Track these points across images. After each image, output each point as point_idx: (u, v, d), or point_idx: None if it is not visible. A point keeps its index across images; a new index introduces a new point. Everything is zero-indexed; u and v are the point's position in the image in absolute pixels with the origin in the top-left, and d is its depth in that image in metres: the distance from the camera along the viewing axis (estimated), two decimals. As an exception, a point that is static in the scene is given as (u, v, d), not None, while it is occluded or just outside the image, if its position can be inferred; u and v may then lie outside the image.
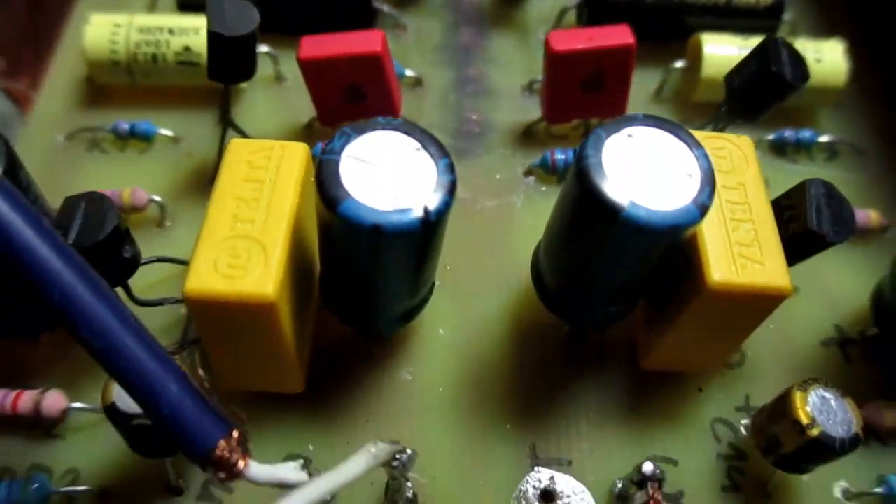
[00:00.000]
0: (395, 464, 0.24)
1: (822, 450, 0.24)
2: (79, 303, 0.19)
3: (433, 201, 0.22)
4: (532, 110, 0.37)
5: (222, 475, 0.20)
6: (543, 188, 0.34)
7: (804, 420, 0.24)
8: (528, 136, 0.36)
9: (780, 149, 0.36)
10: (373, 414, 0.28)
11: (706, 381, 0.30)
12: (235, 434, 0.21)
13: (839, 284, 0.33)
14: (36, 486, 0.26)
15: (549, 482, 0.27)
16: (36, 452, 0.27)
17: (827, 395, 0.25)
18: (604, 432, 0.28)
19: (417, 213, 0.22)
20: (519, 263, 0.31)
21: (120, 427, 0.24)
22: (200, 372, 0.22)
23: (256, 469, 0.21)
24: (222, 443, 0.20)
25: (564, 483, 0.27)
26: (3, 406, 0.27)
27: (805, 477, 0.28)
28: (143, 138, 0.35)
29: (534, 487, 0.27)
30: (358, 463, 0.22)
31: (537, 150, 0.35)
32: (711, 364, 0.29)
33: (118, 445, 0.27)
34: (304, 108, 0.35)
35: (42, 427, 0.28)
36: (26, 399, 0.27)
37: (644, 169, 0.23)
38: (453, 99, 0.38)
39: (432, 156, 0.23)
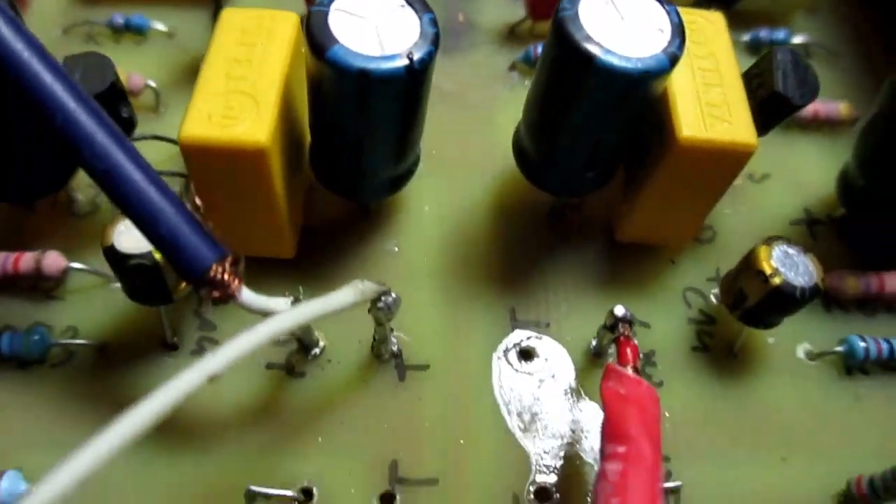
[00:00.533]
0: (380, 305, 0.25)
1: (784, 298, 0.26)
2: (81, 126, 0.20)
3: (418, 51, 0.23)
4: (517, 10, 0.38)
5: (217, 294, 0.22)
6: (526, 81, 0.36)
7: (767, 270, 0.26)
8: (513, 35, 0.37)
9: (754, 49, 0.37)
10: (360, 281, 0.30)
11: (678, 254, 0.31)
12: (230, 258, 0.22)
13: (809, 172, 0.34)
14: (37, 337, 0.27)
15: (528, 341, 0.29)
16: (36, 312, 0.28)
17: (790, 250, 0.27)
18: (580, 299, 0.30)
19: (403, 61, 0.23)
20: (502, 150, 0.32)
21: (118, 270, 0.25)
22: (197, 200, 0.24)
23: (248, 295, 0.22)
24: (217, 265, 0.22)
25: (542, 343, 0.29)
26: (5, 266, 0.28)
27: (770, 339, 0.29)
28: (137, 32, 0.36)
29: (513, 345, 0.29)
30: (346, 294, 0.24)
31: (522, 47, 0.37)
32: (683, 234, 0.30)
33: (116, 305, 0.29)
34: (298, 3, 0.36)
35: (42, 289, 0.29)
36: (27, 259, 0.28)
37: (618, 23, 0.24)
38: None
39: (417, 11, 0.24)
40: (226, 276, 0.22)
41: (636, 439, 0.22)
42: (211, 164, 0.25)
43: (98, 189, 0.31)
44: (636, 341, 0.24)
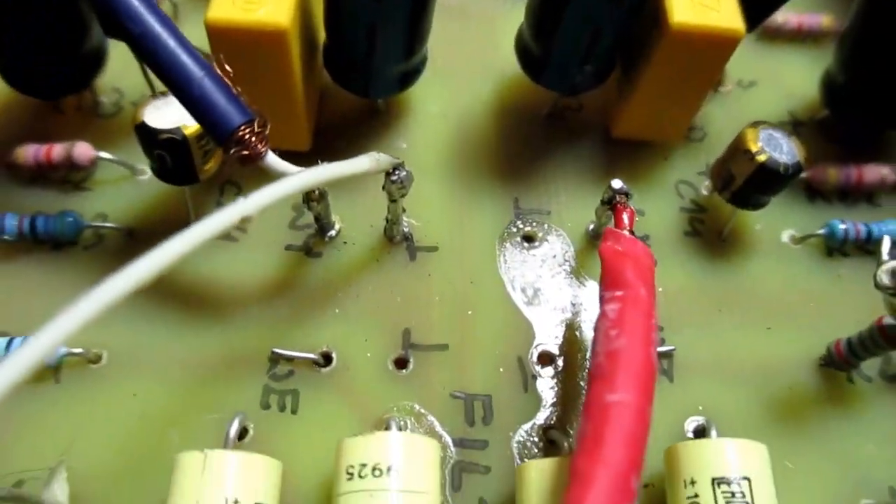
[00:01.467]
0: (394, 178, 0.27)
1: (769, 175, 0.28)
2: (118, -9, 0.22)
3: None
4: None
5: (245, 153, 0.23)
6: (527, -4, 0.37)
7: (753, 149, 0.28)
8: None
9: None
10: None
11: (671, 151, 0.33)
12: (257, 121, 0.24)
13: (793, 80, 0.36)
14: (70, 219, 0.29)
15: (530, 226, 0.31)
16: (67, 201, 0.30)
17: (775, 133, 0.28)
18: (579, 189, 0.32)
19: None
20: (506, 57, 0.34)
21: (148, 147, 0.27)
22: (227, 67, 0.25)
23: (273, 158, 0.24)
24: (245, 126, 0.23)
25: (544, 228, 0.31)
26: (37, 156, 0.30)
27: (757, 226, 0.31)
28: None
29: (516, 229, 0.31)
30: (363, 161, 0.25)
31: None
32: (675, 129, 0.32)
33: (143, 194, 0.31)
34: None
35: (72, 180, 0.31)
36: (59, 149, 0.30)
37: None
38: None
39: None
40: (253, 138, 0.24)
41: (633, 284, 0.23)
42: (235, 48, 0.26)
43: (120, 93, 0.33)
44: (633, 209, 0.26)
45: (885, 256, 0.24)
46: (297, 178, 0.23)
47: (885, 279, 0.23)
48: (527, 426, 0.26)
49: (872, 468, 0.26)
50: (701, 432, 0.27)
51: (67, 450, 0.25)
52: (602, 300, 0.24)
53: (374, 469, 0.22)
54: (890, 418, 0.28)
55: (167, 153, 0.27)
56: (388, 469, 0.22)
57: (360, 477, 0.22)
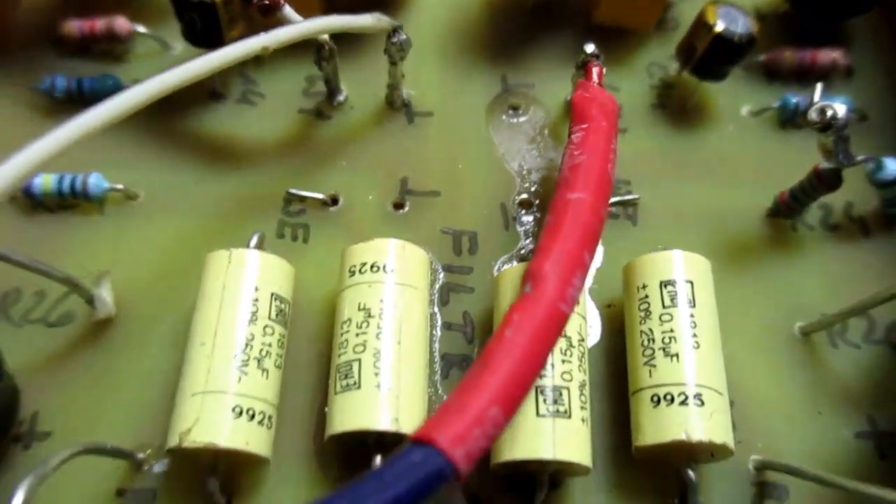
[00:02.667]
0: (394, 40, 0.31)
1: (725, 44, 0.31)
2: None
3: None
4: None
5: (265, 2, 0.27)
6: None
7: (711, 21, 0.31)
8: None
9: None
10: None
11: (645, 38, 0.37)
12: (276, -23, 0.28)
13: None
14: (111, 81, 0.33)
15: (515, 98, 0.34)
16: (108, 69, 0.34)
17: (733, 10, 0.32)
18: (560, 68, 0.35)
19: None
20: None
21: (179, 9, 0.30)
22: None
23: (289, 10, 0.28)
24: (266, -20, 0.27)
25: (527, 99, 0.35)
26: (82, 29, 0.34)
27: (719, 102, 0.35)
28: None
29: (504, 99, 0.34)
30: (366, 19, 0.29)
31: None
32: (648, 16, 0.35)
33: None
34: None
35: (112, 54, 0.35)
36: (100, 23, 0.34)
37: None
38: None
39: None
40: (274, -9, 0.27)
41: (596, 118, 0.27)
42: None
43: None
44: (602, 67, 0.30)
45: (816, 98, 0.27)
46: (309, 23, 0.27)
47: (813, 115, 0.27)
48: (506, 256, 0.31)
49: (807, 298, 0.30)
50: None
51: (111, 267, 0.29)
52: (569, 136, 0.28)
53: (372, 266, 0.26)
54: (827, 260, 0.31)
55: (197, 16, 0.31)
56: (385, 266, 0.26)
57: (360, 273, 0.26)
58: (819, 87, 0.28)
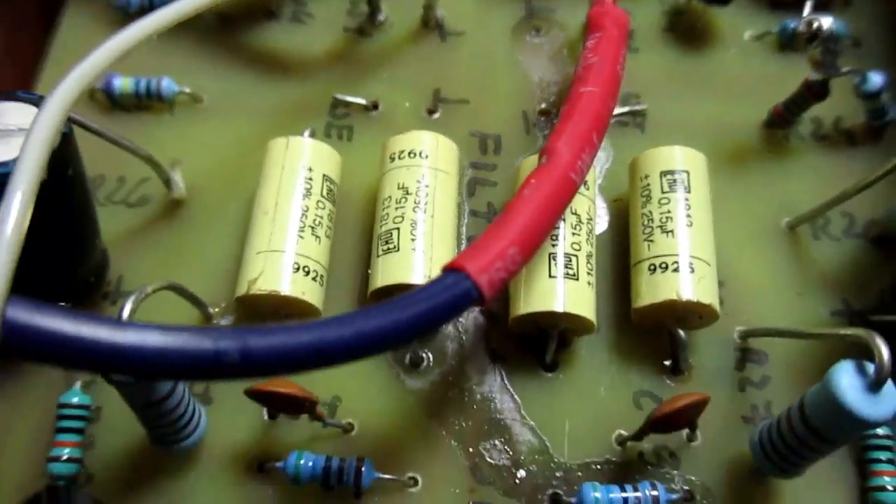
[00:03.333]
0: (431, -40, 0.34)
1: (729, -31, 0.35)
2: None
3: None
4: None
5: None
6: None
7: (717, -52, 0.35)
8: None
9: None
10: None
11: (659, -31, 0.40)
12: None
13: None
14: None
15: (538, 21, 0.38)
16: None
17: (737, -61, 0.35)
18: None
19: None
20: None
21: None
22: None
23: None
24: None
25: (549, 23, 0.38)
26: (151, -47, 0.38)
27: (725, 27, 0.38)
28: None
29: (528, 22, 0.38)
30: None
31: None
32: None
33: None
34: None
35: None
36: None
37: None
38: None
39: None
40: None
41: (608, 28, 0.31)
42: None
43: None
44: (615, -8, 0.34)
45: (806, 13, 0.31)
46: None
47: (801, 27, 0.30)
48: (526, 155, 0.34)
49: (795, 198, 0.34)
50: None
51: (180, 154, 0.34)
52: (584, 44, 0.31)
53: (410, 153, 0.30)
54: (815, 166, 0.35)
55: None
56: (421, 153, 0.30)
57: (400, 159, 0.31)
58: (809, 2, 0.32)
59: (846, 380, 0.23)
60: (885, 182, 0.33)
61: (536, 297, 0.28)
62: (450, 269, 0.23)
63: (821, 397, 0.23)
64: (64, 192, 0.26)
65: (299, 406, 0.26)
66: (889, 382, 0.23)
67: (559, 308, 0.28)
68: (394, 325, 0.21)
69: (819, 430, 0.24)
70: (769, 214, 0.34)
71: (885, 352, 0.22)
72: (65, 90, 0.21)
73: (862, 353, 0.24)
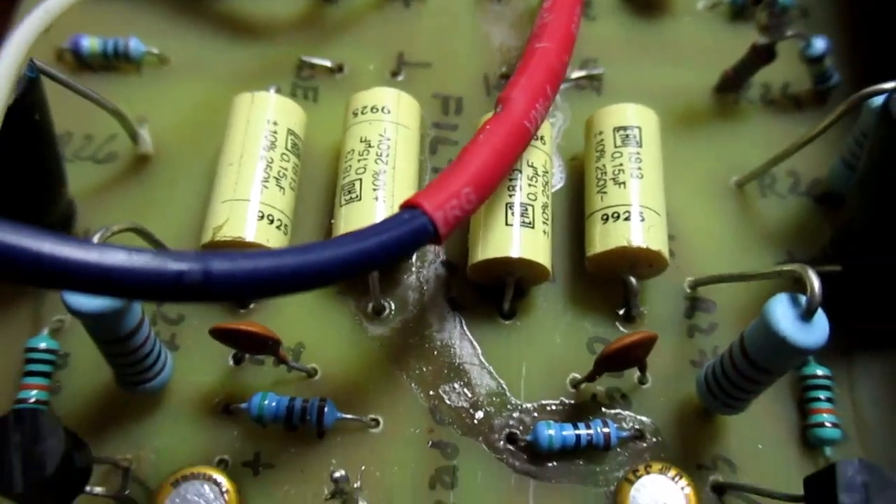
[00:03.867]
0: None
1: (682, -61, 0.36)
2: None
3: None
4: None
5: None
6: None
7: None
8: None
9: None
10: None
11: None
12: None
13: None
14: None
15: (499, -11, 0.39)
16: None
17: None
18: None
19: None
20: None
21: None
22: None
23: None
24: None
25: (510, -9, 0.39)
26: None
27: (679, -3, 0.40)
28: None
29: (489, -11, 0.39)
30: None
31: None
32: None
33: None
34: None
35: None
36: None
37: None
38: None
39: None
40: None
41: (564, -9, 0.32)
42: None
43: None
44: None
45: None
46: None
47: (748, -10, 0.32)
48: (487, 115, 0.35)
49: (744, 159, 0.35)
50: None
51: (147, 114, 0.34)
52: (541, 5, 0.32)
53: (372, 108, 0.31)
54: (764, 129, 0.36)
55: None
56: (383, 108, 0.31)
57: (363, 114, 0.31)
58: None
59: (781, 310, 0.24)
60: (827, 143, 0.34)
61: (493, 244, 0.29)
62: (407, 206, 0.24)
63: (758, 329, 0.25)
64: (30, 137, 0.27)
65: (263, 344, 0.27)
66: (820, 312, 0.24)
67: (515, 254, 0.29)
68: (352, 255, 0.22)
69: (758, 361, 0.25)
70: (719, 173, 0.35)
71: (816, 283, 0.24)
72: (28, 26, 0.22)
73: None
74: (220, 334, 0.26)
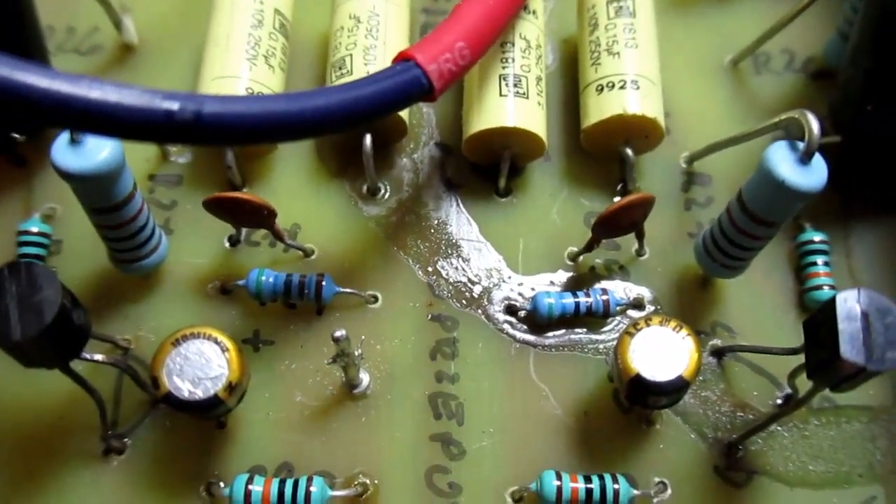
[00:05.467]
0: None
1: None
2: None
3: None
4: None
5: None
6: None
7: None
8: None
9: None
10: None
11: None
12: None
13: None
14: None
15: None
16: None
17: None
18: None
19: None
20: None
21: None
22: None
23: None
24: None
25: None
26: None
27: None
28: None
29: None
30: None
31: None
32: None
33: None
34: None
35: None
36: None
37: None
38: None
39: None
40: None
41: None
42: None
43: None
44: None
45: None
46: None
47: None
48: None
49: (740, 39, 0.34)
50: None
51: (130, 2, 0.33)
52: None
53: (360, -15, 0.31)
54: (759, 7, 0.36)
55: None
56: (371, -15, 0.31)
57: (351, -8, 0.31)
58: None
59: (780, 154, 0.24)
60: (821, 19, 0.34)
61: (488, 114, 0.29)
62: (400, 59, 0.24)
63: (757, 179, 0.25)
64: (14, 31, 0.26)
65: (257, 215, 0.26)
66: (818, 156, 0.24)
67: (510, 123, 0.28)
68: (344, 103, 0.22)
69: (756, 213, 0.25)
70: (713, 52, 0.35)
71: (814, 125, 0.23)
72: None
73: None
74: (215, 205, 0.26)
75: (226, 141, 0.21)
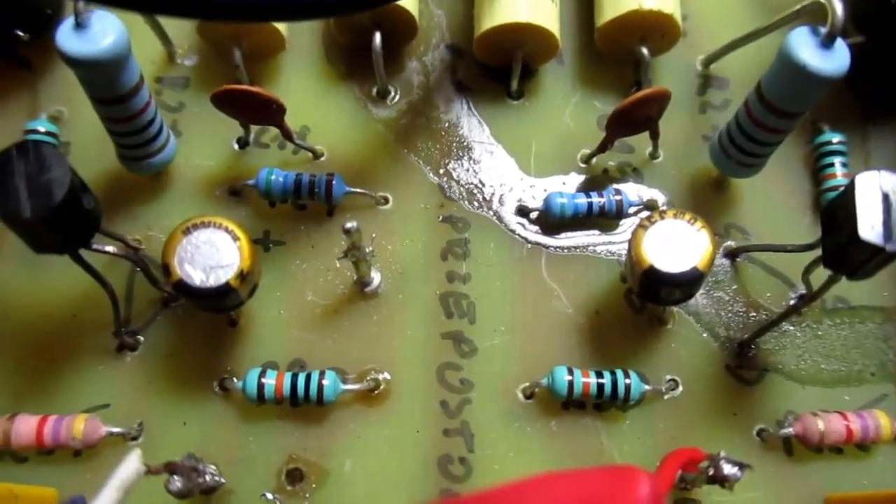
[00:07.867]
0: None
1: None
2: None
3: None
4: None
5: None
6: None
7: None
8: None
9: None
10: None
11: None
12: None
13: None
14: None
15: None
16: None
17: None
18: None
19: None
20: None
21: None
22: None
23: None
24: None
25: None
26: None
27: None
28: None
29: None
30: None
31: None
32: None
33: None
34: None
35: None
36: None
37: None
38: None
39: None
40: None
41: None
42: None
43: None
44: None
45: None
46: None
47: None
48: None
49: (759, -62, 0.34)
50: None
51: None
52: None
53: None
54: None
55: None
56: None
57: None
58: None
59: (801, 39, 0.23)
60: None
61: (501, 11, 0.28)
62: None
63: (777, 67, 0.24)
64: None
65: (266, 109, 0.26)
66: (840, 40, 0.23)
67: (523, 17, 0.28)
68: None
69: (775, 104, 0.24)
70: (732, -48, 0.34)
71: (838, 7, 0.23)
72: None
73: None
74: (223, 98, 0.26)
75: (232, 16, 0.21)
